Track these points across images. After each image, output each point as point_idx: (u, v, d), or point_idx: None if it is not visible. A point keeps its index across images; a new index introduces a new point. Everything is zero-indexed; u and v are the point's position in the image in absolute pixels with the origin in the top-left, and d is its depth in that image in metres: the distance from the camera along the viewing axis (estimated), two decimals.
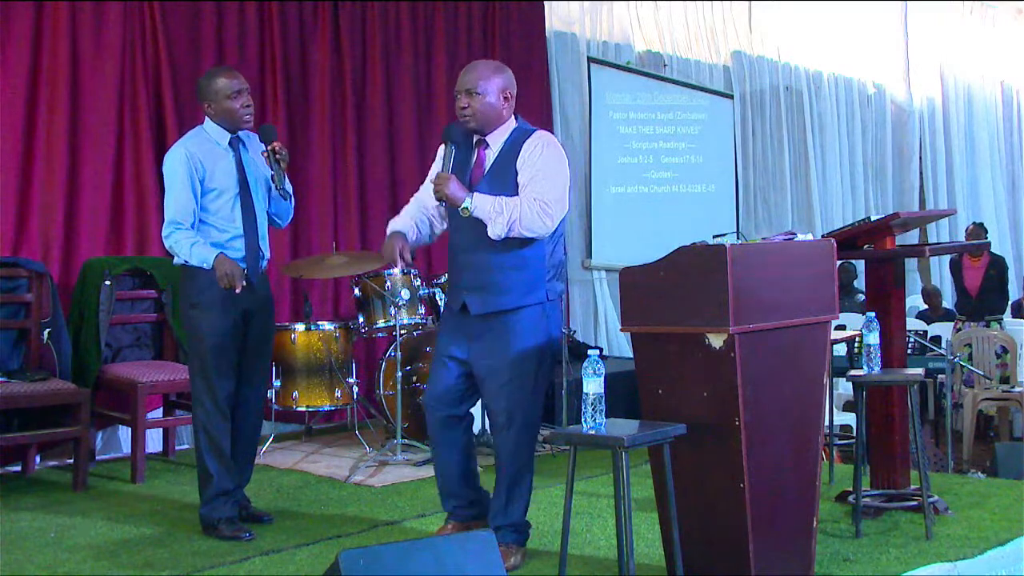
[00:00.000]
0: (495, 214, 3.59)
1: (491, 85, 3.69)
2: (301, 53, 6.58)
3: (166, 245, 4.16)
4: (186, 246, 4.04)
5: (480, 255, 3.70)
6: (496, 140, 3.76)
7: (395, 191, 6.85)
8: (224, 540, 4.06)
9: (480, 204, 3.61)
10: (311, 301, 6.26)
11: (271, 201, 4.27)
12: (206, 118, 4.18)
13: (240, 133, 4.21)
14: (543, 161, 3.66)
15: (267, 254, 4.28)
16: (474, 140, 3.80)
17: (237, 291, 3.98)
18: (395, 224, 3.95)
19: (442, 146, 3.83)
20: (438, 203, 3.75)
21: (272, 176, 4.12)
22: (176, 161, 4.09)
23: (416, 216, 3.95)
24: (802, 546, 3.43)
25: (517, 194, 3.65)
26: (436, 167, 3.90)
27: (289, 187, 4.19)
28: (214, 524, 4.12)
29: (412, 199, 4.05)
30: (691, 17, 9.45)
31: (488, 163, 3.75)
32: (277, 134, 4.22)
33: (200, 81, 4.25)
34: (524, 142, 3.71)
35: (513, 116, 3.79)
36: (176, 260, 4.19)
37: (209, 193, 4.10)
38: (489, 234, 3.62)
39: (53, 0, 5.59)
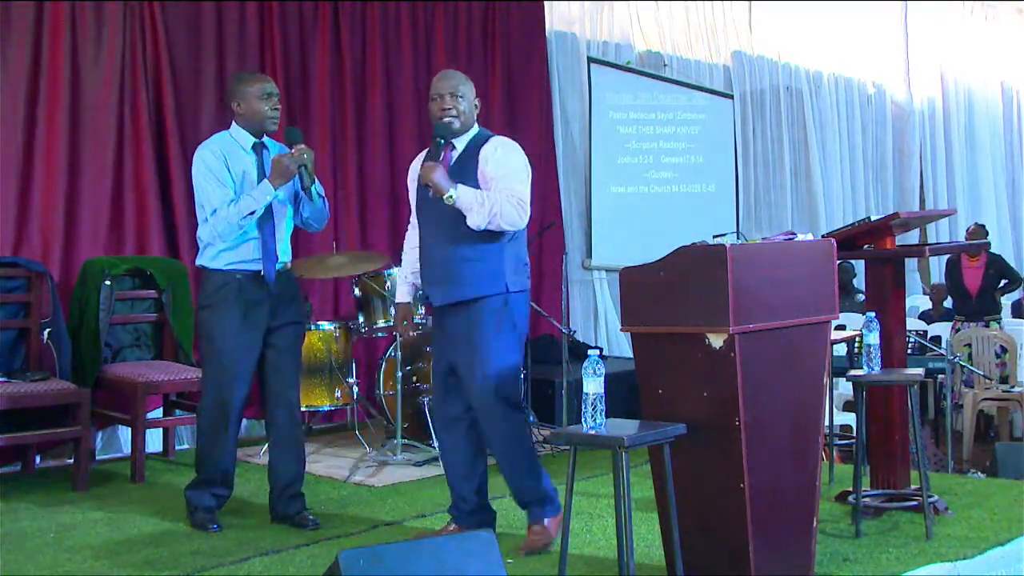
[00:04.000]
0: (477, 205, 3.72)
1: (469, 91, 3.92)
2: (301, 53, 6.58)
3: (213, 235, 4.07)
4: (232, 210, 4.02)
5: (441, 248, 3.84)
6: (461, 142, 3.93)
7: (395, 191, 6.83)
8: (194, 528, 4.22)
9: (463, 194, 3.73)
10: (311, 301, 6.26)
11: (303, 205, 4.26)
12: (232, 122, 4.24)
13: (267, 140, 4.26)
14: (509, 161, 3.83)
15: (281, 258, 4.22)
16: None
17: (308, 166, 4.06)
18: (400, 293, 4.21)
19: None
20: (423, 187, 3.85)
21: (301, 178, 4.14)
22: (203, 161, 4.13)
23: (414, 265, 4.08)
24: (802, 546, 3.43)
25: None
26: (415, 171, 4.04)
27: (319, 187, 4.23)
28: (192, 509, 4.29)
29: (409, 227, 4.16)
30: (691, 17, 9.45)
31: (451, 163, 3.90)
32: (303, 136, 4.23)
33: (233, 79, 4.37)
34: (483, 145, 3.87)
35: (476, 123, 3.98)
36: (197, 260, 4.22)
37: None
38: (469, 223, 3.73)
39: (53, 0, 5.60)
